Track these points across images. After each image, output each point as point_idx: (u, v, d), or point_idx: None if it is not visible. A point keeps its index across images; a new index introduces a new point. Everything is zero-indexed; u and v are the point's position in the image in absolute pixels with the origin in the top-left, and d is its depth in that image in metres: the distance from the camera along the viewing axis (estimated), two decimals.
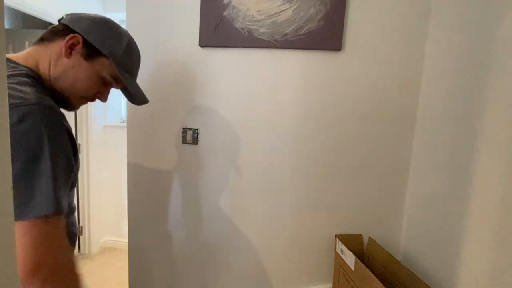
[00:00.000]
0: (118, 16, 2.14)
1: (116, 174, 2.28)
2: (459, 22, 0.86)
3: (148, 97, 0.77)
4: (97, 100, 0.70)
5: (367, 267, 0.82)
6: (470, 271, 0.76)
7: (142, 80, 1.07)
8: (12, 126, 0.39)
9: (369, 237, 1.05)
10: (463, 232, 0.79)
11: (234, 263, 1.13)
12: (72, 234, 0.64)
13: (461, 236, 0.80)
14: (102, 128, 2.26)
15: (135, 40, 0.71)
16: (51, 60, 0.60)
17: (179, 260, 1.15)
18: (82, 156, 2.16)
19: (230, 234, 1.12)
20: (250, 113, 1.07)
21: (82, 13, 0.66)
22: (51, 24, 2.21)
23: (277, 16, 1.00)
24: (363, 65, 1.02)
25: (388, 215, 1.08)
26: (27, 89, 0.50)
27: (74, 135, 0.58)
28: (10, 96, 0.46)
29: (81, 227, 2.22)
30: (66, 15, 0.66)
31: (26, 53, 0.61)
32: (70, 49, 0.60)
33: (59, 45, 0.60)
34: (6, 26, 2.19)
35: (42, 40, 0.62)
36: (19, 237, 0.44)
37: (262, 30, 1.01)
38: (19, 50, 2.06)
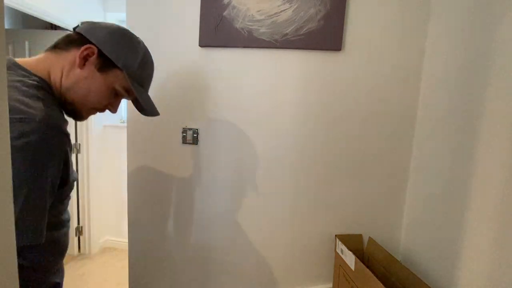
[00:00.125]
0: (118, 16, 2.14)
1: (116, 174, 2.28)
2: (459, 22, 0.86)
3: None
4: None
5: (367, 267, 0.82)
6: (470, 271, 0.76)
7: None
8: (11, 139, 0.39)
9: (369, 237, 1.05)
10: (463, 232, 0.79)
11: (234, 263, 1.13)
12: (63, 246, 0.62)
13: (461, 236, 0.80)
14: (102, 128, 2.26)
15: None
16: (64, 70, 0.59)
17: (179, 260, 1.15)
18: (82, 156, 2.16)
19: (230, 234, 1.12)
20: (250, 113, 1.07)
21: (99, 22, 0.64)
22: (51, 24, 2.21)
23: (277, 16, 1.00)
24: (363, 65, 1.02)
25: (388, 215, 1.08)
26: (34, 103, 0.49)
27: (70, 154, 0.57)
28: (16, 109, 0.46)
29: (81, 227, 2.22)
30: (82, 23, 0.64)
31: (38, 60, 0.59)
32: (84, 59, 0.59)
33: (73, 54, 0.59)
34: (6, 26, 2.19)
35: (55, 47, 0.60)
36: None
37: (262, 30, 1.01)
38: (19, 50, 2.05)
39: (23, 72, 0.54)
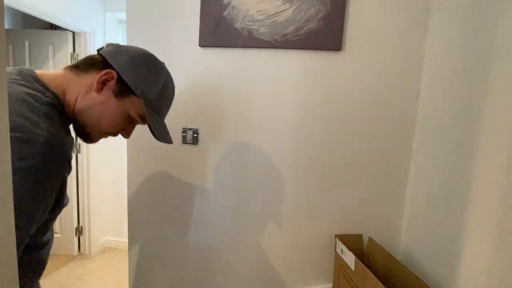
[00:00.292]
0: (118, 16, 2.14)
1: (116, 174, 2.28)
2: (459, 22, 0.86)
3: None
4: None
5: (367, 267, 0.82)
6: (470, 271, 0.76)
7: None
8: (11, 160, 0.37)
9: (369, 237, 1.05)
10: (463, 232, 0.79)
11: (234, 263, 1.13)
12: (41, 266, 0.59)
13: (461, 236, 0.80)
14: None
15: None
16: (80, 92, 0.57)
17: (179, 260, 1.15)
18: (82, 156, 2.16)
19: (230, 234, 1.12)
20: (250, 113, 1.07)
21: (124, 46, 0.63)
22: (51, 24, 2.22)
23: (277, 16, 1.00)
24: (363, 65, 1.02)
25: (388, 215, 1.08)
26: (42, 122, 0.47)
27: (67, 177, 0.55)
28: (21, 127, 0.44)
29: (81, 227, 2.22)
30: (107, 45, 0.63)
31: (56, 75, 0.57)
32: (103, 84, 0.58)
33: (92, 78, 0.58)
34: (6, 26, 2.19)
35: (76, 67, 0.59)
36: None
37: (262, 30, 1.01)
38: (19, 50, 2.06)
39: (39, 87, 0.52)
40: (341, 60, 1.02)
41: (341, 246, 0.99)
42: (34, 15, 1.70)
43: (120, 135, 0.66)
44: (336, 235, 1.06)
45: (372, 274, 0.78)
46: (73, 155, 2.12)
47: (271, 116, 1.06)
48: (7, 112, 0.25)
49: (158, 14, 1.07)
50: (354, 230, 1.09)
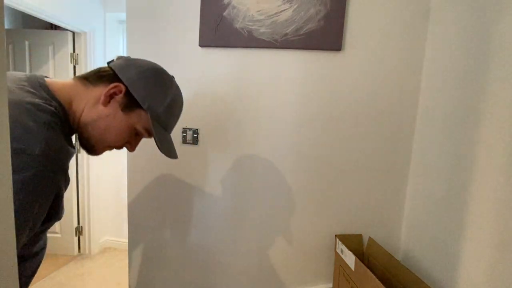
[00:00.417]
0: (118, 16, 2.14)
1: (116, 174, 2.28)
2: (459, 22, 0.86)
3: None
4: None
5: (367, 267, 0.82)
6: (470, 271, 0.76)
7: None
8: None
9: (369, 237, 1.05)
10: (463, 232, 0.79)
11: (234, 263, 1.13)
12: (31, 275, 0.56)
13: (461, 236, 0.80)
14: None
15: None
16: (87, 104, 0.57)
17: (178, 260, 1.15)
18: (82, 156, 2.16)
19: (230, 234, 1.12)
20: (250, 113, 1.07)
21: (134, 60, 0.62)
22: (51, 24, 2.22)
23: (277, 16, 1.00)
24: (363, 65, 1.02)
25: (388, 215, 1.08)
26: (41, 131, 0.47)
27: (64, 190, 0.53)
28: (18, 137, 0.43)
29: (81, 227, 2.22)
30: (117, 58, 0.63)
31: (64, 84, 0.57)
32: (110, 97, 0.57)
33: (100, 91, 0.57)
34: (6, 26, 2.19)
35: (85, 79, 0.59)
36: None
37: (262, 30, 1.01)
38: (19, 50, 2.05)
39: (45, 95, 0.52)
40: (341, 60, 1.02)
41: (341, 246, 0.99)
42: (34, 15, 1.70)
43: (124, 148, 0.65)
44: (336, 235, 1.06)
45: (372, 274, 0.78)
46: (73, 155, 2.12)
47: (271, 116, 1.06)
48: (7, 112, 0.25)
49: (158, 14, 1.06)
50: (354, 230, 1.09)
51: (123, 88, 0.58)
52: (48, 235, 0.59)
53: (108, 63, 0.62)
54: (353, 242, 1.05)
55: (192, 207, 1.13)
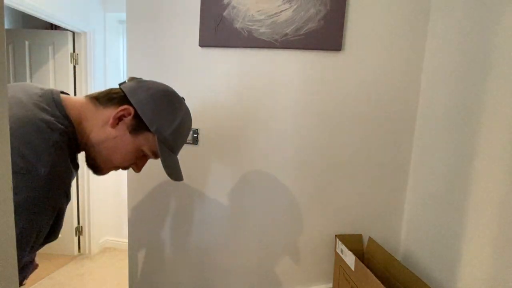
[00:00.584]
0: (118, 16, 2.14)
1: (116, 174, 2.28)
2: (459, 21, 0.86)
3: None
4: None
5: (367, 267, 0.82)
6: (470, 271, 0.76)
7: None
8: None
9: (369, 237, 1.05)
10: (463, 232, 0.79)
11: (234, 263, 1.13)
12: None
13: (461, 236, 0.80)
14: None
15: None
16: (96, 125, 0.58)
17: (179, 260, 1.15)
18: (82, 156, 2.16)
19: (230, 234, 1.12)
20: (250, 113, 1.07)
21: (145, 82, 0.63)
22: (51, 24, 2.22)
23: (277, 16, 1.00)
24: (363, 65, 1.02)
25: (388, 215, 1.08)
26: (48, 153, 0.47)
27: (65, 207, 0.54)
28: (25, 160, 0.44)
29: (81, 227, 2.22)
30: (129, 79, 0.64)
31: (76, 102, 0.58)
32: (119, 119, 0.58)
33: (109, 113, 0.58)
34: (6, 26, 2.19)
35: (96, 99, 0.59)
36: None
37: (262, 30, 1.01)
38: (19, 50, 2.05)
39: (57, 112, 0.53)
40: (341, 60, 1.02)
41: (341, 246, 0.99)
42: (34, 15, 1.70)
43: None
44: (336, 235, 1.06)
45: (372, 274, 0.78)
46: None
47: (271, 116, 1.06)
48: (7, 112, 0.25)
49: (158, 14, 1.06)
50: (354, 230, 1.09)
51: (132, 110, 0.58)
52: None
53: (120, 84, 0.63)
54: (353, 242, 1.05)
55: (192, 207, 1.13)
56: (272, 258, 1.12)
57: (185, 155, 1.11)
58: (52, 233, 0.53)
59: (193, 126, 1.09)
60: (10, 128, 0.41)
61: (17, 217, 0.42)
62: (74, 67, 2.08)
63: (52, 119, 0.51)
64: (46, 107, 0.52)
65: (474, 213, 0.76)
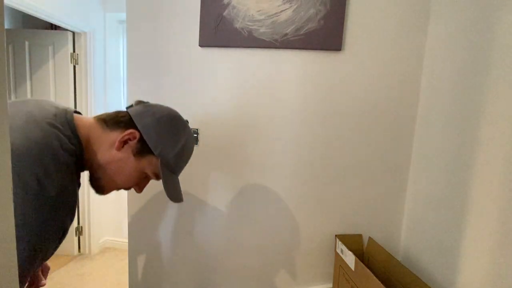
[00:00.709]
0: (118, 16, 2.14)
1: None
2: (459, 22, 0.86)
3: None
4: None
5: (367, 267, 0.82)
6: (470, 271, 0.76)
7: (143, 80, 1.07)
8: (24, 214, 0.40)
9: (369, 237, 1.05)
10: (463, 232, 0.79)
11: (234, 263, 1.13)
12: None
13: (461, 236, 0.80)
14: None
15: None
16: (102, 147, 0.60)
17: (179, 260, 1.15)
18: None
19: (229, 234, 1.12)
20: (250, 113, 1.07)
21: (152, 106, 0.65)
22: (51, 24, 2.22)
23: (277, 16, 1.00)
24: (363, 65, 1.02)
25: (388, 215, 1.08)
26: (60, 177, 0.49)
27: (70, 223, 0.55)
28: (40, 182, 0.46)
29: (81, 227, 2.22)
30: (136, 103, 0.66)
31: (85, 123, 0.59)
32: (124, 143, 0.60)
33: (115, 136, 0.60)
34: (6, 26, 2.19)
35: (104, 121, 0.61)
36: None
37: (262, 30, 1.01)
38: (19, 50, 2.05)
39: (69, 132, 0.54)
40: (341, 60, 1.02)
41: (341, 246, 0.99)
42: (34, 15, 1.70)
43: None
44: (336, 235, 1.06)
45: (372, 274, 0.78)
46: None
47: (271, 116, 1.06)
48: (7, 112, 0.25)
49: (158, 14, 1.06)
50: (354, 230, 1.09)
51: (137, 134, 0.60)
52: None
53: (127, 107, 0.65)
54: (353, 242, 1.05)
55: (192, 207, 1.13)
56: (272, 258, 1.12)
57: None
58: (55, 247, 0.55)
59: (193, 126, 1.09)
60: (29, 149, 0.46)
61: (29, 235, 0.45)
62: (74, 67, 2.08)
63: (65, 139, 0.53)
64: (60, 127, 0.53)
65: (474, 213, 0.76)
